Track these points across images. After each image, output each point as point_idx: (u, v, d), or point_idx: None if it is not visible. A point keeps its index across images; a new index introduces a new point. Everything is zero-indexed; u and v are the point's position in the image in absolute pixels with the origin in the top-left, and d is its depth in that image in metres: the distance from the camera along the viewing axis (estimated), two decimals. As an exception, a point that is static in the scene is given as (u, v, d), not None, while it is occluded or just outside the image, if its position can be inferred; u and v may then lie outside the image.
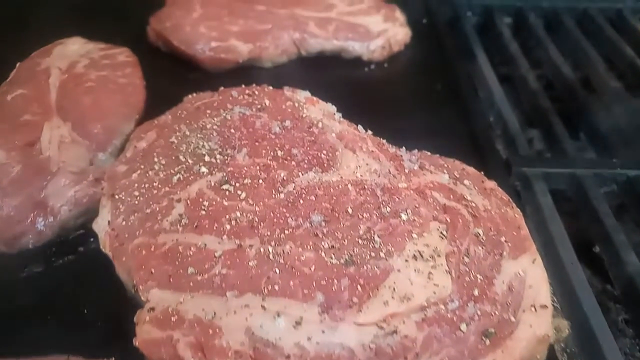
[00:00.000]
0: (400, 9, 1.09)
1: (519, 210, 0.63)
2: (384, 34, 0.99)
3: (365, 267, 0.53)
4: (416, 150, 0.70)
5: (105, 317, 0.60)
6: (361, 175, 0.64)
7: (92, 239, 0.67)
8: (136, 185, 0.64)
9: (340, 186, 0.62)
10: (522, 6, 1.24)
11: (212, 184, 0.62)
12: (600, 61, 1.09)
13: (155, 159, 0.67)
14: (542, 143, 1.01)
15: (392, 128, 0.81)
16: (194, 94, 0.81)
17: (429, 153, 0.71)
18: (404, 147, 0.70)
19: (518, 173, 0.81)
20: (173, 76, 0.95)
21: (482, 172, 0.76)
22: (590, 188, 0.79)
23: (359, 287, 0.51)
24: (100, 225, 0.62)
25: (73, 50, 0.91)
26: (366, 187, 0.62)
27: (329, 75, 0.97)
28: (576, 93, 1.01)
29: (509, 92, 1.06)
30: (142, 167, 0.66)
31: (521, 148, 0.86)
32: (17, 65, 0.89)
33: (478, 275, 0.55)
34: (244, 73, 0.97)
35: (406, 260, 0.54)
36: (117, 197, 0.63)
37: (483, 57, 1.09)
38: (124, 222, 0.60)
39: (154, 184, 0.64)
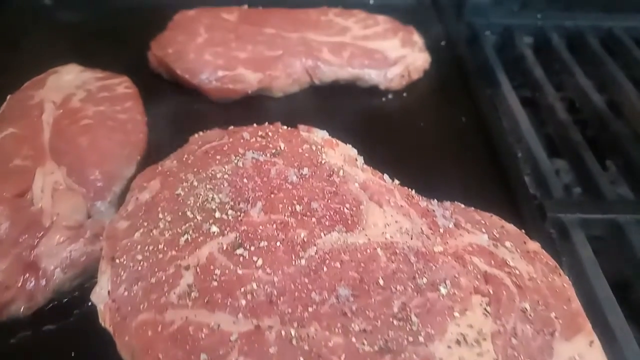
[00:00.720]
0: (417, 30, 1.03)
1: (567, 278, 0.56)
2: (403, 61, 0.92)
3: (403, 356, 0.46)
4: (449, 203, 0.64)
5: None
6: (391, 237, 0.57)
7: (90, 303, 0.60)
8: (139, 247, 0.57)
9: (368, 250, 0.55)
10: (543, 25, 1.18)
11: (224, 247, 0.56)
12: (631, 86, 1.03)
13: (160, 215, 0.60)
14: (570, 175, 0.96)
15: (415, 169, 0.76)
16: (200, 133, 0.74)
17: (462, 205, 0.64)
18: (435, 200, 0.64)
19: (553, 219, 0.75)
20: (176, 107, 0.88)
21: (512, 215, 0.70)
22: (633, 236, 0.73)
23: (397, 382, 0.45)
24: (100, 296, 0.55)
25: (68, 80, 0.84)
26: (398, 251, 0.55)
27: (344, 107, 0.90)
28: (607, 123, 0.95)
29: (532, 116, 1.00)
30: (146, 224, 0.59)
31: (554, 190, 0.80)
32: (8, 97, 0.82)
33: (528, 361, 0.48)
34: (253, 104, 0.90)
35: (449, 347, 0.47)
36: (117, 261, 0.56)
37: (505, 82, 1.03)
38: (125, 293, 0.54)
39: (159, 246, 0.57)
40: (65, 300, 0.62)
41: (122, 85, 0.85)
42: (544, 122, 1.04)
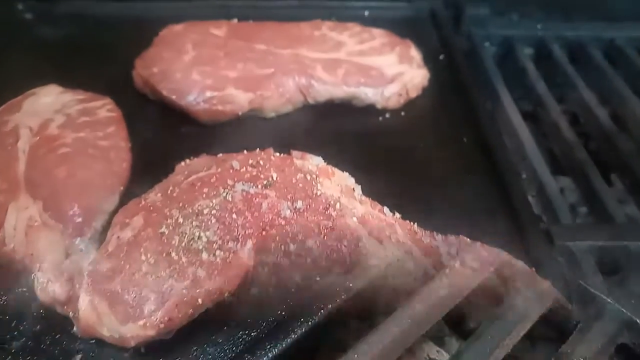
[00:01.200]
0: (414, 42, 0.98)
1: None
2: (400, 78, 0.88)
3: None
4: (454, 237, 0.59)
5: None
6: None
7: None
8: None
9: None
10: (544, 36, 1.14)
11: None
12: (634, 98, 1.00)
13: (143, 257, 0.56)
14: (575, 194, 0.92)
15: (415, 193, 0.72)
16: (187, 161, 0.70)
17: (467, 239, 0.60)
18: (439, 234, 0.60)
19: (562, 248, 0.70)
20: (163, 130, 0.83)
21: (517, 241, 0.68)
22: (645, 263, 0.69)
23: None
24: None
25: (46, 103, 0.79)
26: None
27: (340, 127, 0.85)
28: (611, 137, 0.91)
29: (533, 127, 0.96)
30: (127, 267, 0.55)
31: (561, 213, 0.76)
32: (-18, 123, 0.77)
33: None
34: (244, 125, 0.85)
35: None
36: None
37: (506, 95, 0.99)
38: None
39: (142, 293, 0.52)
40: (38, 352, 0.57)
41: (105, 108, 0.80)
42: (546, 135, 1.00)
